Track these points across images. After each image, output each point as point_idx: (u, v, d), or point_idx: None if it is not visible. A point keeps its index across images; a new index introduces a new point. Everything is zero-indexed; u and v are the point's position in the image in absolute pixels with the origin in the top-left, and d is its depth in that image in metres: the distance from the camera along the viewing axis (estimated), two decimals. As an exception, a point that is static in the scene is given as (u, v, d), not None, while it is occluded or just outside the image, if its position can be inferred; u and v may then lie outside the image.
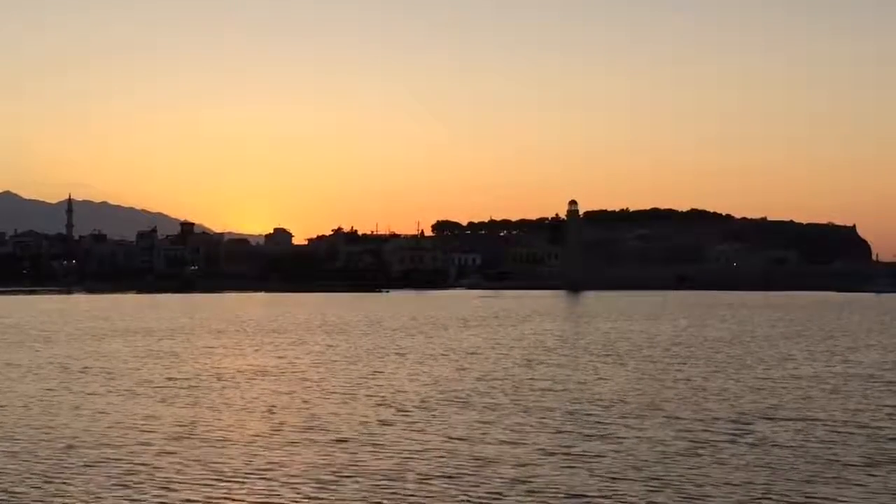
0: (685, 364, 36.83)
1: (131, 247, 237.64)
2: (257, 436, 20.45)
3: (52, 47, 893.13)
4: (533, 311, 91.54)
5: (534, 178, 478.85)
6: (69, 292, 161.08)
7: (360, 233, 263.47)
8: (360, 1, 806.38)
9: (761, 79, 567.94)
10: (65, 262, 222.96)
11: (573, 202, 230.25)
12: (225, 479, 16.27)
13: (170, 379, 31.45)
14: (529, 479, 16.25)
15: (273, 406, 24.96)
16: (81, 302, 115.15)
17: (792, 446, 19.31)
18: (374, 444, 19.48)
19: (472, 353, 41.88)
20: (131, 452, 18.50)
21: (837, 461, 17.90)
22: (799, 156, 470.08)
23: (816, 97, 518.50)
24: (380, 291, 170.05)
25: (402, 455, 18.36)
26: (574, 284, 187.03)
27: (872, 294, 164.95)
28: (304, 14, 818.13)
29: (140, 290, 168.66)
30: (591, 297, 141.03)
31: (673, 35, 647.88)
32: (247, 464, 17.54)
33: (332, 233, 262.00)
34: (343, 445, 19.42)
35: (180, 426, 21.68)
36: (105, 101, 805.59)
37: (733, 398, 26.55)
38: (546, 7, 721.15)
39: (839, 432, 21.00)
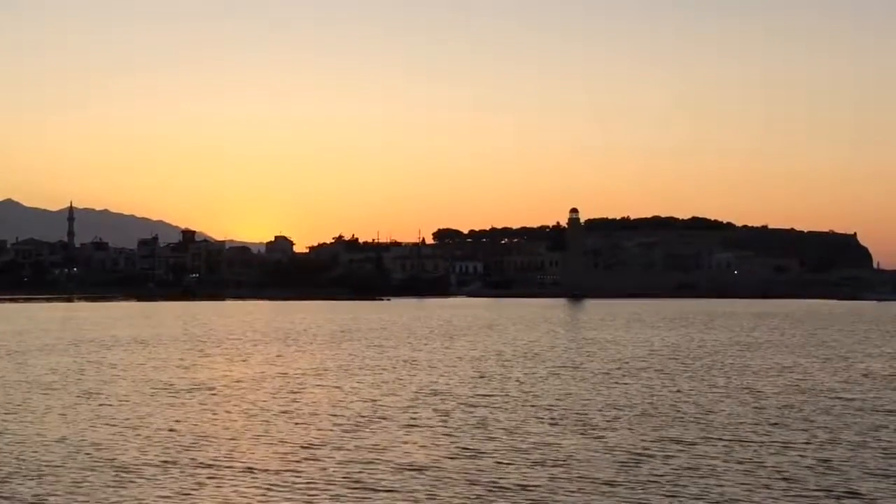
0: (639, 378, 35.79)
1: (132, 254, 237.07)
2: (158, 464, 19.38)
3: (53, 56, 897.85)
4: (523, 319, 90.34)
5: (535, 186, 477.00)
6: (70, 300, 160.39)
7: (360, 241, 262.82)
8: (360, 10, 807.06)
9: (764, 87, 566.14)
10: (66, 269, 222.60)
11: (574, 210, 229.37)
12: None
13: (85, 392, 30.63)
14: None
15: (176, 428, 23.81)
16: (75, 310, 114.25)
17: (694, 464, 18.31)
18: (261, 472, 18.49)
19: (429, 366, 40.87)
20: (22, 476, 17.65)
21: (729, 482, 16.93)
22: (799, 164, 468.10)
23: (817, 105, 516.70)
24: (380, 299, 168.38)
25: (274, 485, 17.39)
26: (575, 292, 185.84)
27: (873, 301, 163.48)
28: (304, 23, 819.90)
29: (141, 298, 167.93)
30: (591, 305, 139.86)
31: (676, 40, 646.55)
32: (118, 491, 16.61)
33: (333, 241, 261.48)
34: (212, 472, 18.43)
35: (71, 447, 20.77)
36: (107, 109, 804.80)
37: (664, 414, 25.49)
38: (545, 13, 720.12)
39: (754, 451, 20.00)
